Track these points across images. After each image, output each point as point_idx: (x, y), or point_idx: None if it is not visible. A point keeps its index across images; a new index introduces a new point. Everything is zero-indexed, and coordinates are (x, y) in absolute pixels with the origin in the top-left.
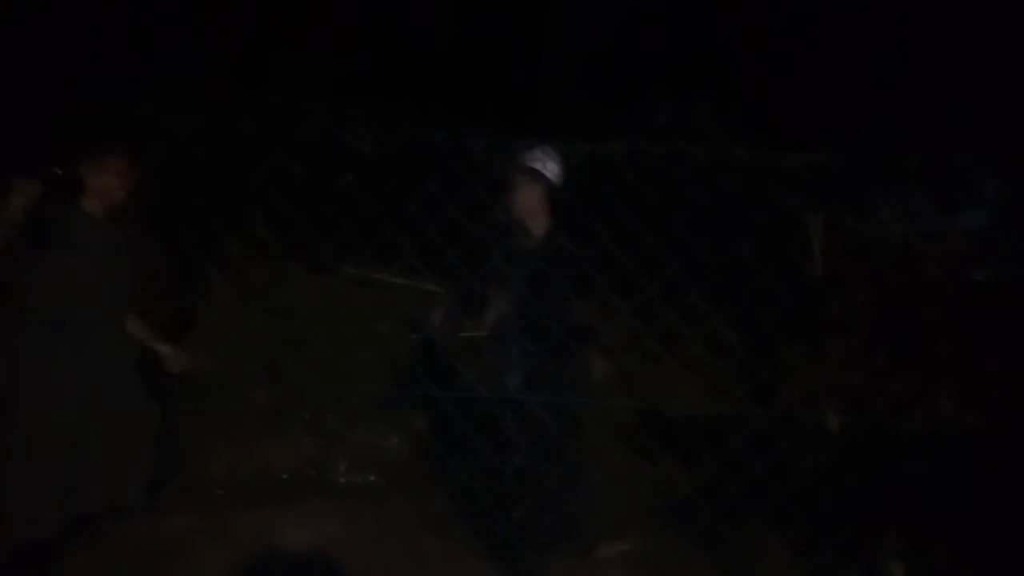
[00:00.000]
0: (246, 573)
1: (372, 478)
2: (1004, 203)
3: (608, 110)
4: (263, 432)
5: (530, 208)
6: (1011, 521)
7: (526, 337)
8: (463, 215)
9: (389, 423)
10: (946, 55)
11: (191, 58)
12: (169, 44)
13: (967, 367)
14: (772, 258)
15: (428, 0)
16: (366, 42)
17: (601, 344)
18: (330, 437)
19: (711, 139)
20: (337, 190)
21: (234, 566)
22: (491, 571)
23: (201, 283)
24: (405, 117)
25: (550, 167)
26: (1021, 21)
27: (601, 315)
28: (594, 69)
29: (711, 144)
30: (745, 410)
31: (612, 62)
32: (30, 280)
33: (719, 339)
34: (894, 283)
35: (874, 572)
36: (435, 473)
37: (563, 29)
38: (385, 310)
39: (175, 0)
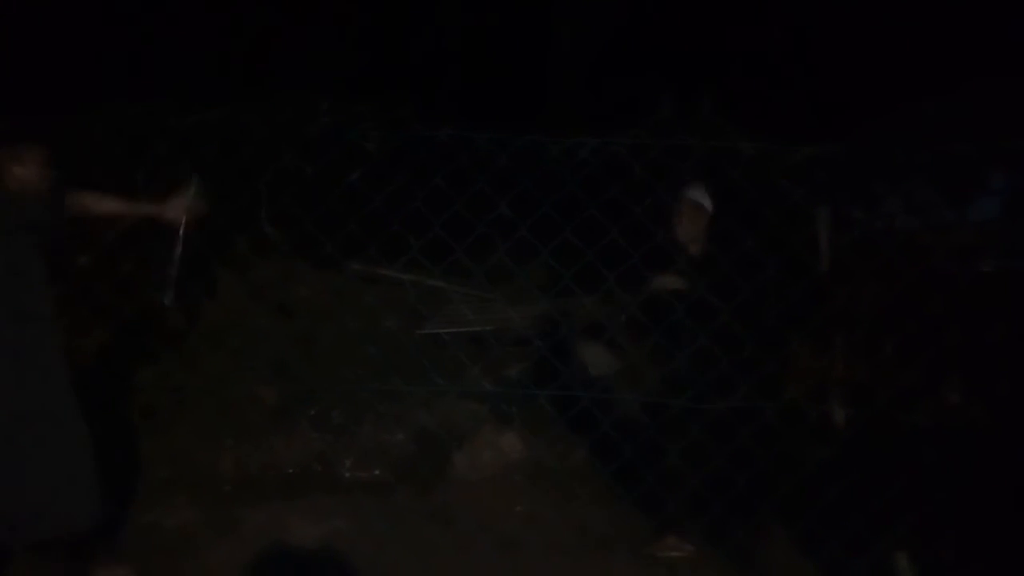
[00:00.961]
0: (254, 567)
1: (378, 473)
2: (1012, 194)
3: (613, 104)
4: (270, 428)
5: (693, 235)
6: (1018, 514)
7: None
8: (469, 211)
9: (395, 418)
10: (952, 46)
11: (196, 55)
12: (174, 41)
13: (975, 360)
14: (778, 251)
15: None
16: (372, 39)
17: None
18: (337, 433)
19: (717, 133)
20: (343, 187)
21: (242, 560)
22: (495, 564)
23: (208, 281)
24: (411, 114)
25: (708, 200)
26: None
27: (606, 309)
28: (599, 63)
29: (717, 138)
30: (752, 404)
31: (617, 56)
32: None
33: (725, 333)
34: (901, 276)
35: (881, 564)
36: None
37: (568, 24)
38: (392, 306)
39: None
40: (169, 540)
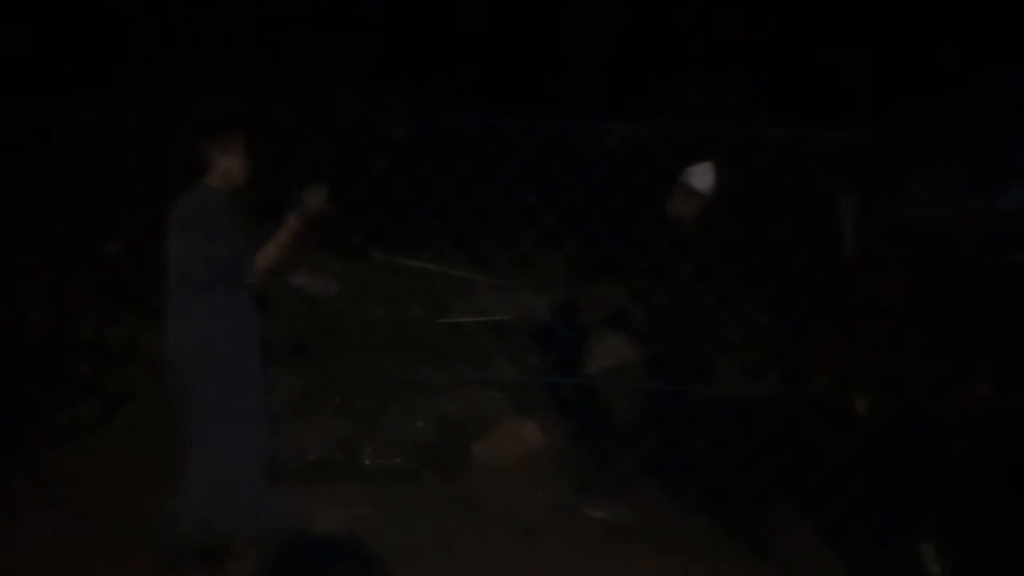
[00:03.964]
0: (277, 553)
1: (400, 460)
2: None
3: (641, 90)
4: (293, 415)
5: (686, 215)
6: None
7: None
8: (495, 198)
9: (417, 406)
10: (984, 32)
11: (223, 42)
12: (200, 28)
13: (1004, 351)
14: (806, 239)
15: None
16: (398, 26)
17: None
18: (360, 420)
19: (745, 118)
20: (370, 175)
21: (265, 546)
22: (516, 551)
23: None
24: (438, 101)
25: (706, 180)
26: None
27: (634, 299)
28: (625, 49)
29: (745, 123)
30: (778, 393)
31: (644, 41)
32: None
33: (752, 322)
34: (929, 264)
35: (906, 556)
36: None
37: (593, 8)
38: (416, 294)
39: None
40: None
